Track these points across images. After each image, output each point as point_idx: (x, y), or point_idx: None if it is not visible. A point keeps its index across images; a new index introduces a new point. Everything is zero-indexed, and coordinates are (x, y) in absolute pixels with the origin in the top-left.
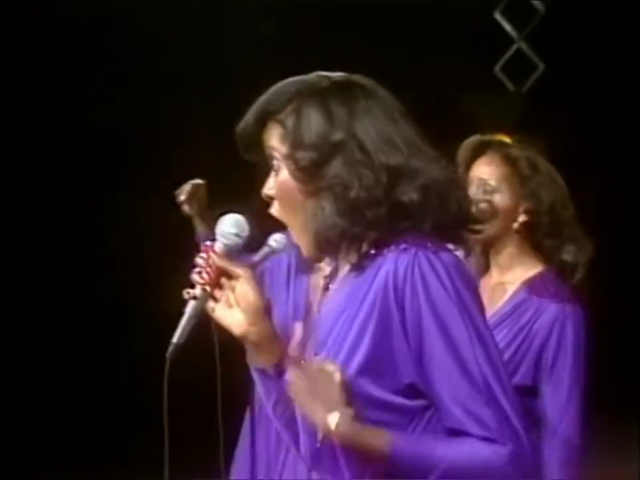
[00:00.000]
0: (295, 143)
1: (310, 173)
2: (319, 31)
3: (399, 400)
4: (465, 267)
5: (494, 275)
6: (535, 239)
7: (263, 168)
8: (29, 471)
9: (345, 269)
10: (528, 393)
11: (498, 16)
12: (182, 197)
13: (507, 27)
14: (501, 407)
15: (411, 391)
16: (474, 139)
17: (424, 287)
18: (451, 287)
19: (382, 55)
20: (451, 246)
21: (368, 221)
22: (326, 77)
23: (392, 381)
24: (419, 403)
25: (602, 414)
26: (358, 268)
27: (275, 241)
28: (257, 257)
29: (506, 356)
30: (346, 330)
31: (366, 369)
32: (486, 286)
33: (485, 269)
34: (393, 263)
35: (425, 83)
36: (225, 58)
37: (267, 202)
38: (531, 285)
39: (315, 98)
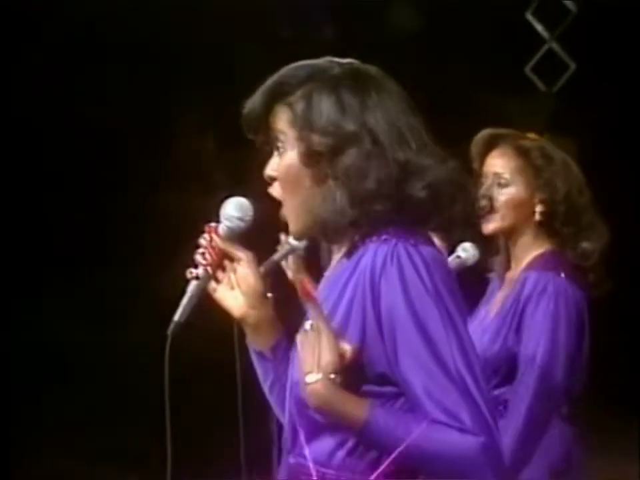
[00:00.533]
0: (306, 126)
1: (322, 159)
2: (329, 30)
3: (369, 387)
4: (446, 262)
5: (512, 267)
6: (553, 229)
7: (265, 149)
8: (28, 470)
9: (337, 256)
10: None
11: (529, 16)
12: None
13: (538, 27)
14: (474, 400)
15: (382, 380)
16: (485, 132)
17: (401, 278)
18: (428, 280)
19: (411, 55)
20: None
21: (377, 214)
22: (337, 62)
23: (365, 369)
24: (390, 389)
25: (602, 414)
26: (345, 256)
27: None
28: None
29: (496, 328)
30: (329, 317)
31: None
32: (507, 278)
33: (509, 264)
34: (372, 253)
35: (455, 83)
36: (225, 58)
37: (269, 183)
38: (527, 265)
39: (326, 85)
